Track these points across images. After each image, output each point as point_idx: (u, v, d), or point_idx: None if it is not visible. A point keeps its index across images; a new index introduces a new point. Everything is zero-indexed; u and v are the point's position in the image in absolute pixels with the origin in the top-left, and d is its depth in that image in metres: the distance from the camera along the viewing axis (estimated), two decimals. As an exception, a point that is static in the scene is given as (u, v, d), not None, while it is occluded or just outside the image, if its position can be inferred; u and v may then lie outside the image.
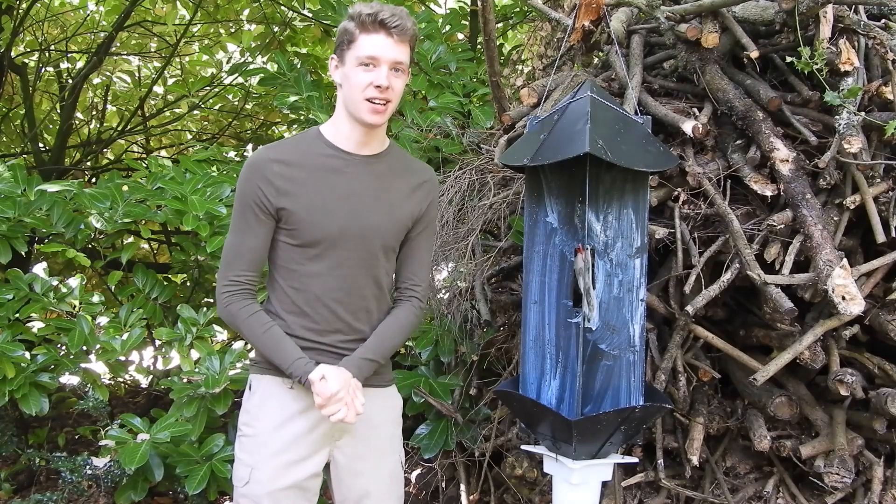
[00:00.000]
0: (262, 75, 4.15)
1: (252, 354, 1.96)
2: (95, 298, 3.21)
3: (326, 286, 1.82)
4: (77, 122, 5.78)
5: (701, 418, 2.55)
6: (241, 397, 1.95)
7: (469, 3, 4.98)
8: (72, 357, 3.02)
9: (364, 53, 1.75)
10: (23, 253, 3.28)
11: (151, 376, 4.40)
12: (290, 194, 1.78)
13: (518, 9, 5.12)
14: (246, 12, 5.49)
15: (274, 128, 5.87)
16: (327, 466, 1.92)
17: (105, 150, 5.85)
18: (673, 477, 2.62)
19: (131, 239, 4.01)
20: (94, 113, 5.98)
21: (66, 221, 3.16)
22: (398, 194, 1.89)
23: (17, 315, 3.02)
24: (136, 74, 5.92)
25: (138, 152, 6.04)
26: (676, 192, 2.49)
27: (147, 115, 5.77)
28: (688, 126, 2.44)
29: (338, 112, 1.86)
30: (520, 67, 4.26)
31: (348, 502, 1.92)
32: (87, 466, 3.07)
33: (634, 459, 2.30)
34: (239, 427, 1.89)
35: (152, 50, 5.83)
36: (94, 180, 5.31)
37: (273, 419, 1.84)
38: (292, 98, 3.84)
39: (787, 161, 2.35)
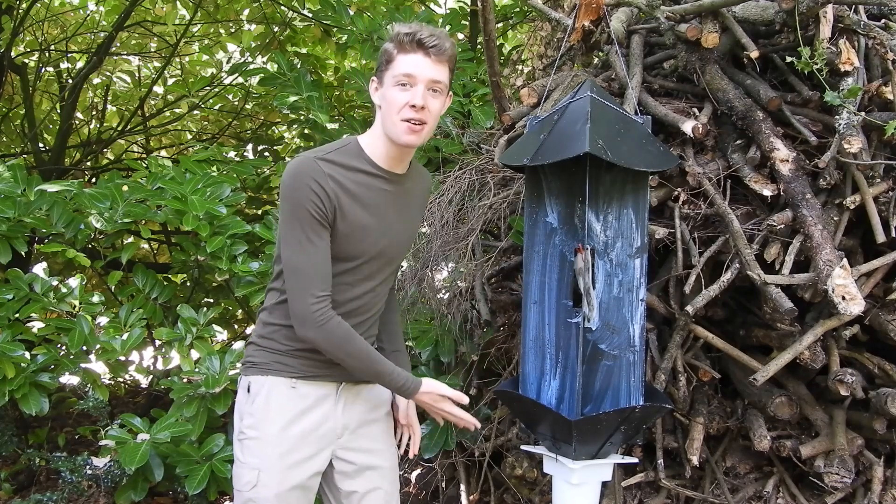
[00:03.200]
0: (262, 75, 4.15)
1: (247, 355, 1.93)
2: (95, 298, 3.21)
3: (350, 295, 1.85)
4: (77, 122, 5.78)
5: (701, 418, 2.55)
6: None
7: (469, 3, 4.97)
8: (72, 357, 3.02)
9: (401, 72, 1.74)
10: (23, 253, 3.28)
11: (151, 376, 4.40)
12: (342, 210, 1.77)
13: (518, 9, 5.12)
14: (246, 12, 5.49)
15: (274, 128, 5.87)
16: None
17: (105, 150, 5.85)
18: (673, 477, 2.62)
19: (131, 239, 4.01)
20: (94, 113, 5.98)
21: (66, 221, 3.16)
22: (414, 209, 1.97)
23: (17, 315, 3.03)
24: (136, 74, 5.91)
25: (138, 152, 6.04)
26: (676, 192, 2.49)
27: (147, 115, 5.77)
28: (688, 126, 2.44)
29: (375, 131, 1.85)
30: (520, 67, 4.25)
31: (355, 497, 1.92)
32: (87, 466, 3.07)
33: (634, 459, 2.30)
34: (241, 430, 1.87)
35: (152, 50, 5.83)
36: (94, 180, 5.31)
37: (279, 420, 1.83)
38: (292, 98, 3.84)
39: (787, 161, 2.35)
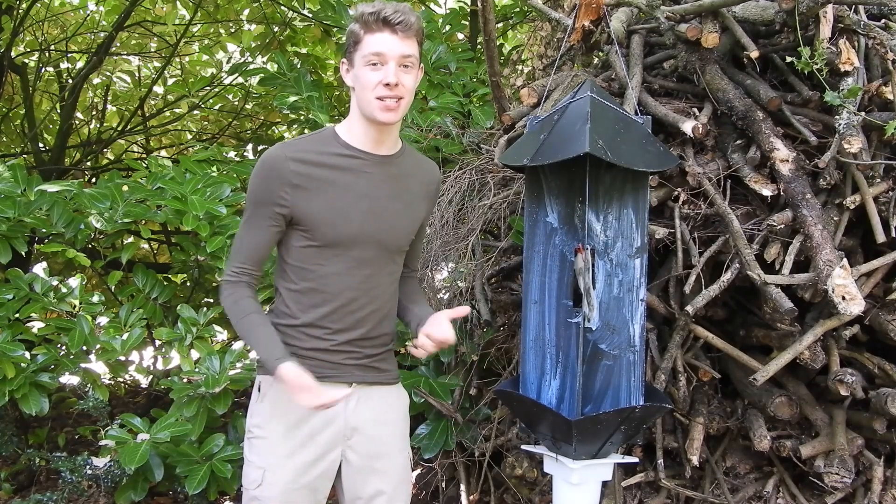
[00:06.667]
0: (262, 75, 4.15)
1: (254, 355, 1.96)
2: (95, 298, 3.20)
3: (344, 285, 1.84)
4: (77, 122, 5.78)
5: (701, 418, 2.55)
6: (242, 397, 1.96)
7: (469, 3, 4.97)
8: (72, 357, 3.02)
9: (370, 51, 1.74)
10: (23, 253, 3.28)
11: (151, 376, 4.40)
12: (308, 194, 1.78)
13: (518, 9, 5.12)
14: (246, 12, 5.49)
15: (274, 128, 5.87)
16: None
17: (105, 150, 5.85)
18: (673, 477, 2.62)
19: (131, 239, 4.00)
20: (94, 113, 5.98)
21: (66, 221, 3.16)
22: (412, 195, 1.92)
23: (17, 315, 3.02)
24: (136, 74, 5.92)
25: (138, 152, 6.05)
26: (676, 192, 2.49)
27: (147, 115, 5.77)
28: (688, 126, 2.44)
29: (352, 114, 1.85)
30: (520, 67, 4.25)
31: (360, 502, 1.92)
32: (87, 466, 3.07)
33: (634, 459, 2.30)
34: (249, 429, 1.88)
35: (152, 50, 5.84)
36: (94, 180, 5.31)
37: (285, 421, 1.84)
38: (292, 98, 3.84)
39: (787, 161, 2.35)
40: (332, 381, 1.86)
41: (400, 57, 1.75)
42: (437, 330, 1.81)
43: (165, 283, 3.55)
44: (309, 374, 1.73)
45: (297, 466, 1.82)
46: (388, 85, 1.74)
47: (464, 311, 1.87)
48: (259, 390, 1.90)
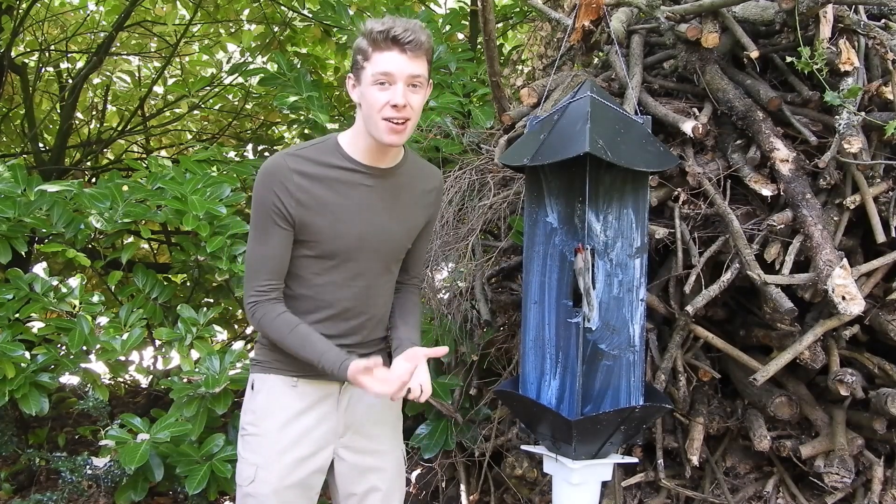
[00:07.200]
0: (262, 75, 4.15)
1: (253, 354, 1.96)
2: (95, 298, 3.20)
3: (340, 295, 1.84)
4: (77, 122, 5.78)
5: (701, 418, 2.55)
6: (242, 397, 1.96)
7: (469, 3, 4.97)
8: (72, 357, 3.02)
9: (378, 70, 1.71)
10: (23, 253, 3.28)
11: (151, 376, 4.40)
12: (310, 207, 1.77)
13: (518, 9, 5.12)
14: (246, 12, 5.49)
15: (274, 128, 5.87)
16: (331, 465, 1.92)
17: (105, 150, 5.85)
18: (673, 477, 2.62)
19: (131, 239, 4.01)
20: (94, 113, 5.98)
21: (66, 221, 3.16)
22: (412, 205, 1.91)
23: (17, 315, 3.02)
24: (136, 74, 5.92)
25: (138, 152, 6.04)
26: (676, 192, 2.49)
27: (147, 115, 5.77)
28: (688, 126, 2.44)
29: (357, 127, 1.83)
30: (520, 67, 4.25)
31: (354, 499, 1.92)
32: (87, 466, 3.07)
33: (634, 459, 2.30)
34: (243, 426, 1.89)
35: (152, 50, 5.83)
36: (94, 180, 5.31)
37: (279, 418, 1.84)
38: (292, 98, 3.84)
39: (787, 161, 2.35)
40: (325, 378, 1.86)
41: (409, 77, 1.72)
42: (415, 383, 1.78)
43: (165, 283, 3.55)
44: (374, 363, 1.70)
45: (289, 463, 1.82)
46: (395, 106, 1.71)
47: (442, 351, 1.83)
48: (253, 388, 1.90)
